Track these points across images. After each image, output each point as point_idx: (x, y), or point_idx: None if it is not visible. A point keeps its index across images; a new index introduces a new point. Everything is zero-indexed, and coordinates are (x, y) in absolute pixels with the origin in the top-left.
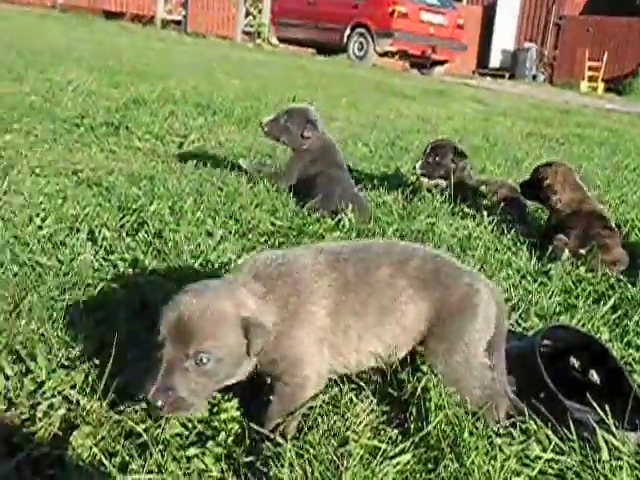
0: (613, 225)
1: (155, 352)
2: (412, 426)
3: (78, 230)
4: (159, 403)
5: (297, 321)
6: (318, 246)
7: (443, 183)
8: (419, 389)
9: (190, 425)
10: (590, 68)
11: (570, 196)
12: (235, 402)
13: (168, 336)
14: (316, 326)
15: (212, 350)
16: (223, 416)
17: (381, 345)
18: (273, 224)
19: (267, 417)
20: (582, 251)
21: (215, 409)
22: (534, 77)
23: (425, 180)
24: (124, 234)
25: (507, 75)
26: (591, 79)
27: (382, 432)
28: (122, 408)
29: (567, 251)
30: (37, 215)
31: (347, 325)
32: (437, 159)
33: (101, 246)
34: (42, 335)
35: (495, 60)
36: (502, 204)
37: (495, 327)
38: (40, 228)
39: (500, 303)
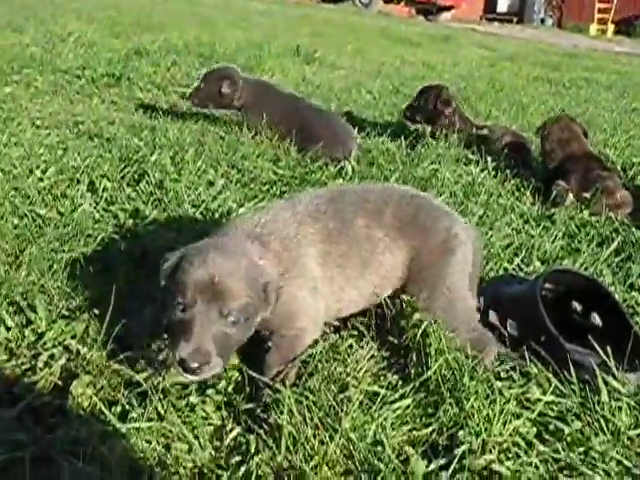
0: (609, 165)
1: (163, 306)
2: (412, 371)
3: (78, 181)
4: (195, 365)
5: (292, 276)
6: (291, 199)
7: (427, 128)
8: (419, 335)
9: None
10: (600, 10)
11: (558, 135)
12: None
13: (200, 296)
14: (309, 277)
15: (245, 308)
16: None
17: (360, 295)
18: (275, 173)
19: (266, 367)
20: (586, 195)
21: None
22: (542, 21)
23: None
24: (125, 185)
25: (515, 20)
26: (600, 21)
27: (382, 378)
28: (122, 357)
29: (571, 195)
30: (37, 167)
31: (332, 276)
32: (420, 104)
33: (102, 197)
34: (42, 286)
35: (503, 4)
36: (506, 150)
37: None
38: (40, 180)
39: (477, 245)
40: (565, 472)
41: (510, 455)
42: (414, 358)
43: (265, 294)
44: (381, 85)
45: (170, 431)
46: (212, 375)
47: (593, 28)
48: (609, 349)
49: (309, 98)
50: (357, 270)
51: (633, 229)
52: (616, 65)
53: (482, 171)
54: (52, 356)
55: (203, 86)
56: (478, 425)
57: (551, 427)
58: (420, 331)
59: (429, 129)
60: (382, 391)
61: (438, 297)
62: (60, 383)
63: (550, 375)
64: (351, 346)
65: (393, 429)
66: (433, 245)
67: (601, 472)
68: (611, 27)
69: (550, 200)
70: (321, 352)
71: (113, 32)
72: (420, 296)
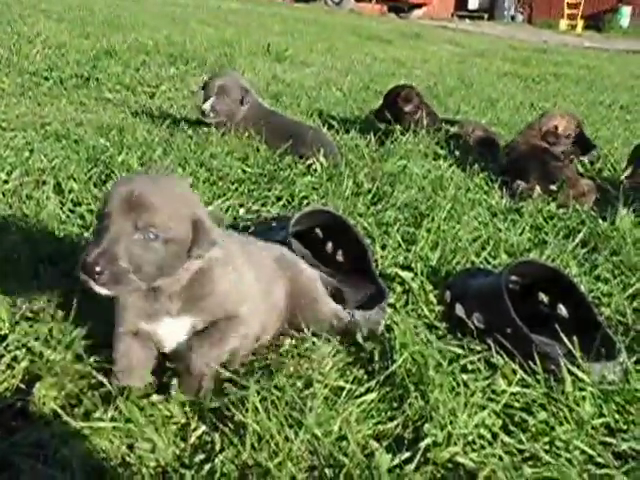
0: (558, 155)
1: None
2: (377, 366)
3: (44, 183)
4: (98, 268)
5: (234, 266)
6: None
7: (396, 126)
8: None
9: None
10: (569, 5)
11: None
12: None
13: (117, 208)
14: (248, 280)
15: (162, 227)
16: None
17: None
18: (244, 171)
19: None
20: (553, 187)
21: None
22: (513, 17)
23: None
24: (91, 185)
25: (486, 16)
26: (570, 17)
27: (347, 373)
28: (86, 358)
29: (538, 188)
30: (2, 169)
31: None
32: (387, 104)
33: (68, 198)
34: (5, 288)
35: (473, 2)
36: (476, 145)
37: None
38: (5, 182)
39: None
40: (529, 462)
41: (475, 447)
42: (379, 353)
43: (195, 232)
44: (351, 82)
45: (133, 431)
46: (125, 291)
47: (563, 24)
48: (575, 339)
49: (279, 96)
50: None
51: (599, 220)
52: (585, 60)
53: (450, 166)
54: (15, 358)
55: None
56: (443, 418)
57: (516, 418)
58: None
59: (398, 127)
60: (347, 386)
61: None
62: (23, 386)
63: (516, 366)
64: (313, 342)
65: (358, 424)
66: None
67: (565, 461)
68: (580, 22)
69: (517, 194)
70: (286, 349)
71: (83, 32)
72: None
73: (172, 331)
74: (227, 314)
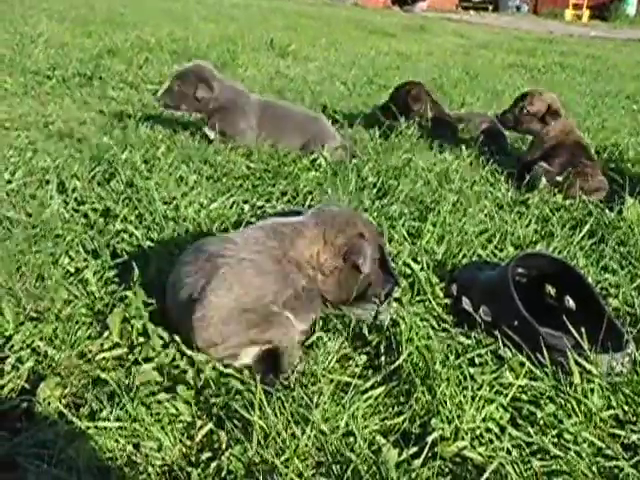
0: (594, 155)
1: None
2: (383, 361)
3: (48, 182)
4: None
5: None
6: None
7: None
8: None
9: (161, 371)
10: None
11: (560, 127)
12: None
13: None
14: None
15: None
16: (194, 360)
17: None
18: (248, 167)
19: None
20: (559, 178)
21: (185, 354)
22: (518, 8)
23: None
24: (95, 184)
25: (490, 8)
26: (576, 7)
27: (354, 368)
28: (91, 357)
29: (544, 179)
30: (6, 169)
31: None
32: (394, 102)
33: (71, 197)
34: (9, 289)
35: None
36: (483, 137)
37: None
38: (9, 182)
39: None
40: (538, 456)
41: (483, 441)
42: (385, 347)
43: None
44: (355, 76)
45: (139, 430)
46: None
47: (568, 13)
48: (583, 331)
49: (283, 91)
50: None
51: (606, 211)
52: (591, 49)
53: (456, 159)
54: (20, 359)
55: (177, 87)
56: (450, 412)
57: (524, 411)
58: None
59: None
60: (354, 381)
61: None
62: (27, 386)
63: (523, 359)
64: (320, 338)
65: (365, 419)
66: None
67: (573, 454)
68: (586, 12)
69: (523, 184)
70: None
71: (85, 31)
72: None
73: None
74: None
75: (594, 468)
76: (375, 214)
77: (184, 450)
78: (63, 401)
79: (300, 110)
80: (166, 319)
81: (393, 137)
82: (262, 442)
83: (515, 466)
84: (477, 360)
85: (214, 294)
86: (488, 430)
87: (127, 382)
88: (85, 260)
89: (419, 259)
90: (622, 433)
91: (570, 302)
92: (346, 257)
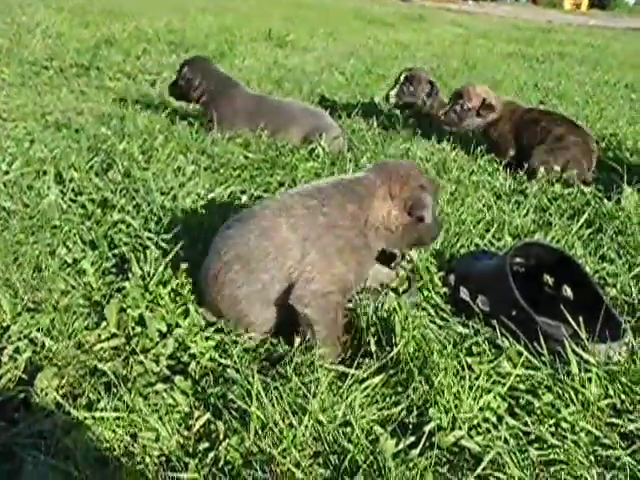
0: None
1: None
2: (380, 351)
3: (45, 173)
4: None
5: None
6: None
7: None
8: (382, 312)
9: (158, 362)
10: None
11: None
12: (203, 335)
13: None
14: None
15: None
16: (191, 351)
17: None
18: (246, 157)
19: None
20: (557, 168)
21: (182, 345)
22: None
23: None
24: (93, 175)
25: None
26: None
27: (351, 358)
28: (88, 348)
29: (542, 169)
30: (3, 160)
31: None
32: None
33: (69, 188)
34: (7, 279)
35: None
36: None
37: None
38: (6, 173)
39: None
40: (535, 445)
41: (480, 430)
42: (383, 336)
43: None
44: (354, 66)
45: (137, 420)
46: None
47: (567, 3)
48: (580, 320)
49: (281, 81)
50: None
51: (604, 200)
52: (589, 38)
53: (454, 149)
54: (17, 349)
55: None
56: (448, 402)
57: (522, 401)
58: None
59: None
60: (351, 371)
61: None
62: (25, 376)
63: (521, 348)
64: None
65: (362, 409)
66: None
67: (571, 443)
68: (585, 1)
69: (521, 174)
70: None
71: (83, 21)
72: None
73: None
74: None
75: (591, 457)
76: None
77: (181, 440)
78: (60, 391)
79: (298, 104)
80: None
81: (391, 127)
82: (259, 432)
83: (512, 455)
84: (475, 350)
85: None
86: (485, 420)
87: (124, 372)
88: (82, 251)
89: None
90: (619, 422)
91: (568, 291)
92: (411, 212)
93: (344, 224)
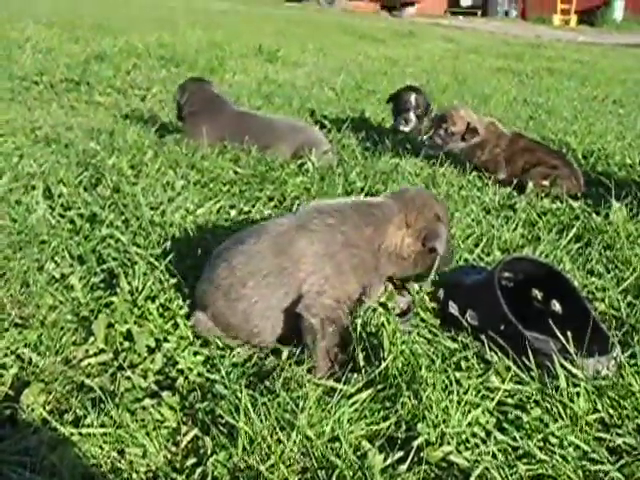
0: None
1: None
2: (368, 366)
3: (34, 188)
4: None
5: None
6: None
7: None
8: (370, 327)
9: (146, 377)
10: (562, 0)
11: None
12: (191, 350)
13: None
14: None
15: None
16: (179, 366)
17: None
18: (235, 172)
19: None
20: (545, 183)
21: (171, 360)
22: (506, 13)
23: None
24: (81, 189)
25: (479, 13)
26: (563, 12)
27: (340, 373)
28: (75, 363)
29: (531, 183)
30: None
31: None
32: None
33: (58, 203)
34: None
35: None
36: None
37: None
38: None
39: None
40: (524, 460)
41: (468, 445)
42: (370, 352)
43: None
44: (344, 81)
45: (124, 436)
46: None
47: (556, 19)
48: (569, 335)
49: (271, 96)
50: None
51: (593, 215)
52: (578, 54)
53: (443, 164)
54: (3, 365)
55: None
56: (436, 417)
57: (510, 415)
58: (372, 325)
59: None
60: (339, 386)
61: None
62: (11, 392)
63: (510, 363)
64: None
65: (350, 424)
66: None
67: (559, 458)
68: (574, 17)
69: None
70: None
71: (73, 37)
72: None
73: None
74: None
75: (580, 472)
76: None
77: (169, 456)
78: (47, 407)
79: (287, 121)
80: None
81: (380, 142)
82: (247, 448)
83: (501, 470)
84: (463, 364)
85: None
86: (474, 435)
87: (112, 388)
88: (71, 266)
89: None
90: (608, 437)
91: (556, 306)
92: (425, 242)
93: (360, 245)
